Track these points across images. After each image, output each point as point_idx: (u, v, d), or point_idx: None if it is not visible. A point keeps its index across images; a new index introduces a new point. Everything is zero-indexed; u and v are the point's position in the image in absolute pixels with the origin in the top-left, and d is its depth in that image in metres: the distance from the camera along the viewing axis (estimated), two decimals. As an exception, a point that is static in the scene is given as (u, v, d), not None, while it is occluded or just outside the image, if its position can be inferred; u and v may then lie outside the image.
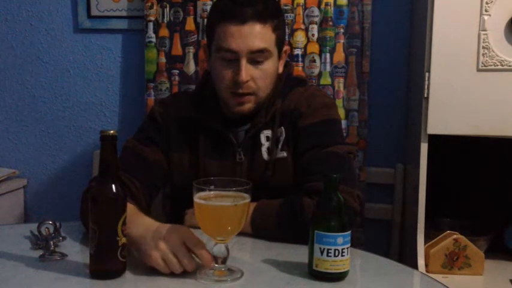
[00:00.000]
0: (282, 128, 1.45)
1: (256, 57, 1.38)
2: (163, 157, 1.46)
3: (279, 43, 1.44)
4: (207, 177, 1.40)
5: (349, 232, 1.08)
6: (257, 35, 1.36)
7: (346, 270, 1.09)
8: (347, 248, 1.08)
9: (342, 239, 1.07)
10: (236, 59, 1.37)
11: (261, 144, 1.45)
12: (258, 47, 1.37)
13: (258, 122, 1.45)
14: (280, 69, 1.48)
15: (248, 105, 1.41)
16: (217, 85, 1.43)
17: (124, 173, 1.36)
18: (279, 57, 1.46)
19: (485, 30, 1.49)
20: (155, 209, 1.67)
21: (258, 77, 1.39)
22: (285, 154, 1.44)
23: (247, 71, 1.37)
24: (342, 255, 1.07)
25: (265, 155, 1.44)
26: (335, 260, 1.07)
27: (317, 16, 1.97)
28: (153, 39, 2.05)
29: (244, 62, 1.36)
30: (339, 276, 1.09)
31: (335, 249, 1.07)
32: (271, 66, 1.41)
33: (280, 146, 1.44)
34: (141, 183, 1.39)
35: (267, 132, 1.45)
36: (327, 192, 1.10)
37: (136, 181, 1.38)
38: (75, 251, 1.20)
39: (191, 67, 2.04)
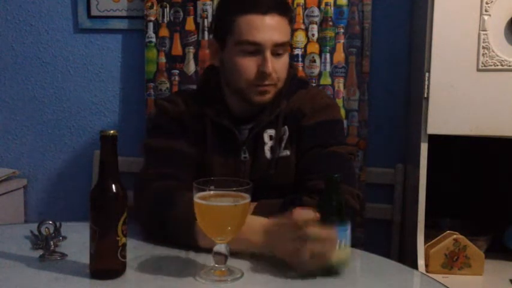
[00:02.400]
0: (286, 127, 1.45)
1: (278, 49, 1.39)
2: (193, 149, 1.44)
3: (291, 36, 1.47)
4: (213, 172, 1.41)
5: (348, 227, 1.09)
6: (279, 27, 1.38)
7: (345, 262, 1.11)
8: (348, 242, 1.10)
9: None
10: (258, 51, 1.37)
11: (264, 143, 1.45)
12: (282, 40, 1.39)
13: (262, 121, 1.45)
14: None
15: (268, 96, 1.41)
16: (236, 78, 1.41)
17: (165, 169, 1.35)
18: None
19: (485, 30, 1.49)
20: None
21: (279, 69, 1.40)
22: (288, 153, 1.44)
23: (271, 62, 1.37)
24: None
25: (268, 154, 1.44)
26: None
27: (317, 16, 1.97)
28: (153, 39, 2.05)
29: (268, 54, 1.37)
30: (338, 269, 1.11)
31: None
32: (288, 58, 1.44)
33: (283, 145, 1.44)
34: (186, 175, 1.36)
35: (271, 132, 1.45)
36: (327, 192, 1.10)
37: (182, 174, 1.36)
38: (75, 251, 1.20)
39: (191, 67, 2.04)
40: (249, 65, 1.38)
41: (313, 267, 1.09)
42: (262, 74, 1.37)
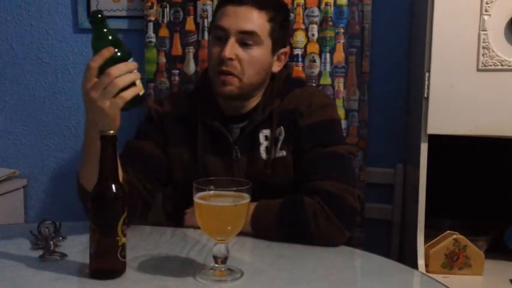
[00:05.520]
0: (282, 127, 1.45)
1: (246, 39, 1.40)
2: (160, 151, 1.47)
3: (275, 36, 1.44)
4: (206, 172, 1.42)
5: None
6: (250, 17, 1.40)
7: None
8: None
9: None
10: (226, 39, 1.40)
11: (259, 144, 1.45)
12: (248, 28, 1.40)
13: (254, 120, 1.45)
14: (275, 69, 1.49)
15: (230, 88, 1.41)
16: (208, 66, 1.46)
17: (127, 168, 1.37)
18: (273, 52, 1.46)
19: (485, 30, 1.49)
20: (155, 209, 1.67)
21: (244, 59, 1.40)
22: (284, 153, 1.44)
23: (233, 49, 1.39)
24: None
25: (263, 154, 1.44)
26: None
27: (317, 16, 1.97)
28: (153, 39, 2.05)
29: (232, 40, 1.39)
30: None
31: None
32: (260, 54, 1.42)
33: (279, 146, 1.44)
34: (135, 171, 1.39)
35: (266, 132, 1.45)
36: (99, 31, 1.19)
37: (130, 170, 1.38)
38: (75, 251, 1.20)
39: (191, 67, 2.04)
40: (215, 50, 1.42)
41: (127, 99, 1.16)
42: (221, 59, 1.39)
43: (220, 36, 1.41)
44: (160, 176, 1.46)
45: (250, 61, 1.41)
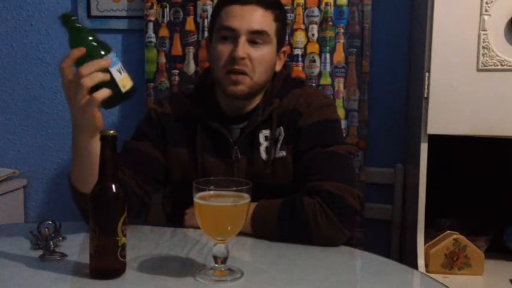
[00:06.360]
0: (281, 127, 1.45)
1: (255, 38, 1.41)
2: (158, 151, 1.47)
3: (279, 36, 1.46)
4: (206, 172, 1.42)
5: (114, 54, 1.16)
6: (258, 16, 1.41)
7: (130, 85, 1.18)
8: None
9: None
10: (235, 38, 1.40)
11: (259, 144, 1.45)
12: (258, 27, 1.40)
13: (254, 120, 1.45)
14: (278, 68, 1.50)
15: (241, 87, 1.41)
16: (215, 66, 1.44)
17: (125, 168, 1.37)
18: (277, 51, 1.47)
19: (485, 30, 1.49)
20: (155, 209, 1.67)
21: (254, 58, 1.41)
22: (284, 153, 1.44)
23: (244, 48, 1.39)
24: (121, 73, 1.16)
25: (263, 155, 1.44)
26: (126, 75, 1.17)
27: (317, 16, 1.97)
28: (153, 39, 2.05)
29: (243, 40, 1.40)
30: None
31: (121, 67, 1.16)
32: (269, 52, 1.44)
33: (279, 146, 1.44)
34: (131, 171, 1.39)
35: (266, 132, 1.45)
36: (76, 32, 1.18)
37: (126, 169, 1.38)
38: (75, 251, 1.20)
39: (191, 67, 2.04)
40: (224, 50, 1.41)
41: (99, 100, 1.14)
42: (233, 58, 1.39)
43: (227, 36, 1.41)
44: (157, 176, 1.46)
45: (260, 60, 1.42)
